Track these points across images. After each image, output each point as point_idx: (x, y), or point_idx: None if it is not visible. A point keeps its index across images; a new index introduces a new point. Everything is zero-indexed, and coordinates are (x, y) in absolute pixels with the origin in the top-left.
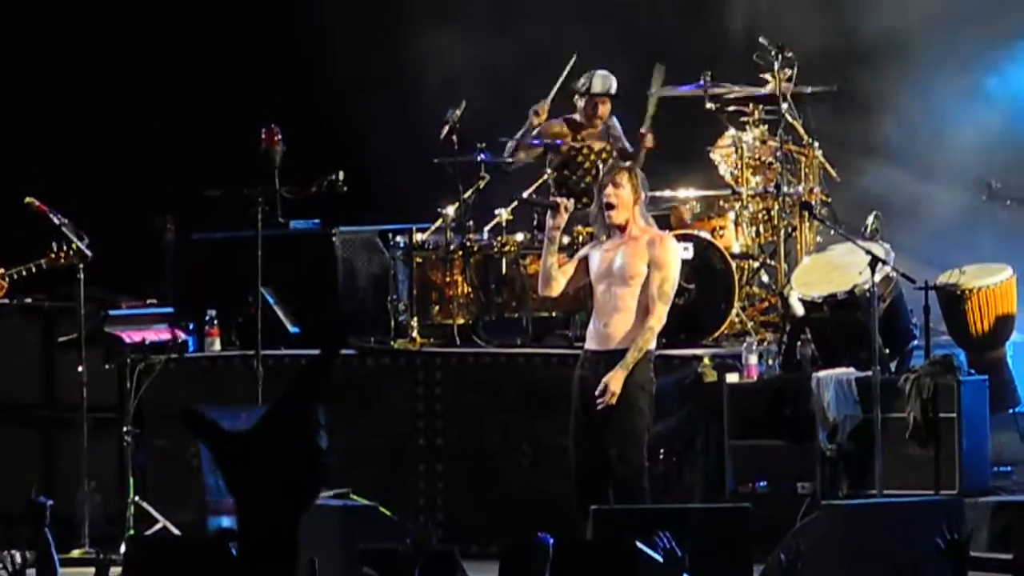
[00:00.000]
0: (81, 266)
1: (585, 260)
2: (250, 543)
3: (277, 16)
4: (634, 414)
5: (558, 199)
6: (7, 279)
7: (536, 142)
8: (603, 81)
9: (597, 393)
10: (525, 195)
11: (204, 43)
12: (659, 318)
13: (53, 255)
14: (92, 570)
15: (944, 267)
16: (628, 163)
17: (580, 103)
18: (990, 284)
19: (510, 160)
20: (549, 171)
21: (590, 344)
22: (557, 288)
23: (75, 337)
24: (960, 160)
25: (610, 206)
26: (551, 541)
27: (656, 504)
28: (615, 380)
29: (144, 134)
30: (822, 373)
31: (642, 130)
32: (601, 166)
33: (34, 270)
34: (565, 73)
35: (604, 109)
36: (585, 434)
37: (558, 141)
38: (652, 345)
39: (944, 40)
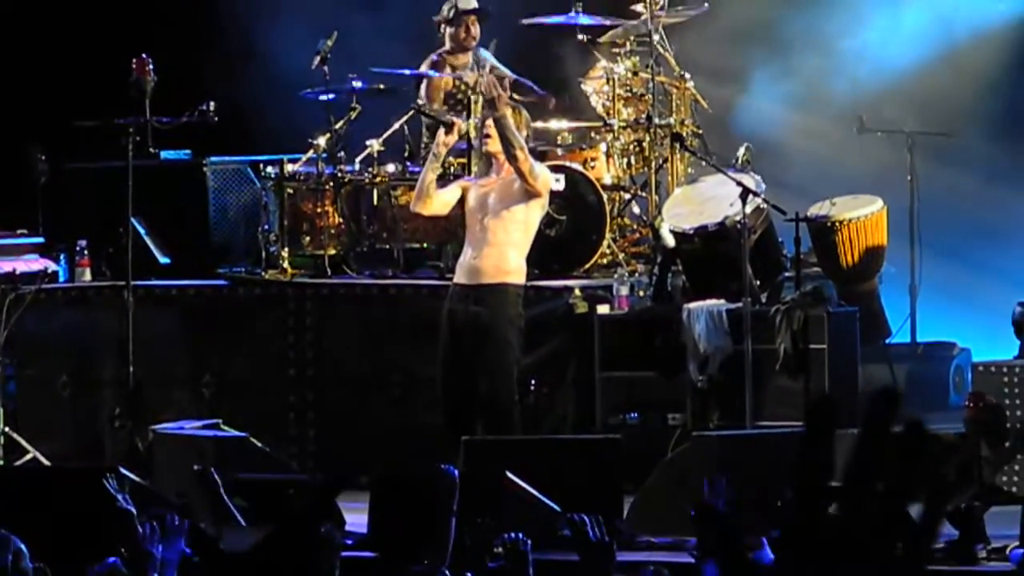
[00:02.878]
0: None
1: (463, 191)
2: None
3: None
4: (504, 348)
5: (454, 119)
6: None
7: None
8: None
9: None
10: (420, 105)
11: None
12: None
13: None
14: None
15: (815, 199)
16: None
17: (448, 31)
18: (860, 216)
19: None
20: (422, 103)
21: (460, 278)
22: (430, 207)
23: None
24: (831, 92)
25: (488, 135)
26: (456, 472)
27: (527, 435)
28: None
29: (13, 63)
30: (693, 305)
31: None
32: (473, 99)
33: None
34: None
35: (476, 28)
36: (455, 368)
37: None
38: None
39: None
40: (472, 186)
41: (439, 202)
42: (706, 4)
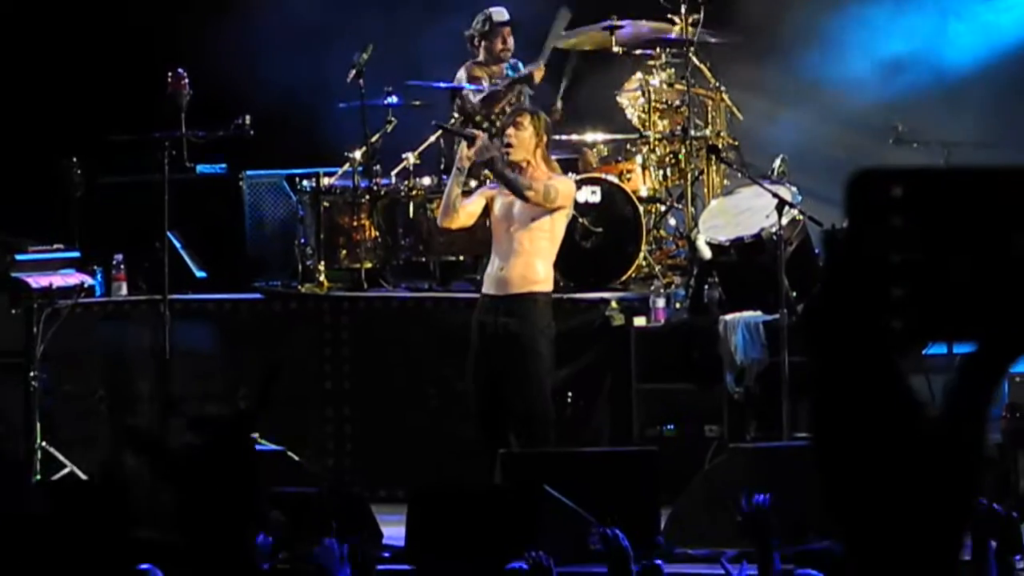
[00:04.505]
0: None
1: (487, 200)
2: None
3: None
4: (534, 358)
5: (475, 131)
6: None
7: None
8: (500, 12)
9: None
10: (450, 121)
11: None
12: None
13: None
14: None
15: None
16: (531, 106)
17: (482, 44)
18: None
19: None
20: (457, 116)
21: (488, 289)
22: (457, 221)
23: None
24: (867, 103)
25: (509, 145)
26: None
27: (563, 448)
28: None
29: (49, 78)
30: (729, 317)
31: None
32: (508, 110)
33: None
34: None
35: (511, 40)
36: (485, 379)
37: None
38: (539, 192)
39: None
40: (496, 195)
41: (465, 214)
42: (741, 37)
